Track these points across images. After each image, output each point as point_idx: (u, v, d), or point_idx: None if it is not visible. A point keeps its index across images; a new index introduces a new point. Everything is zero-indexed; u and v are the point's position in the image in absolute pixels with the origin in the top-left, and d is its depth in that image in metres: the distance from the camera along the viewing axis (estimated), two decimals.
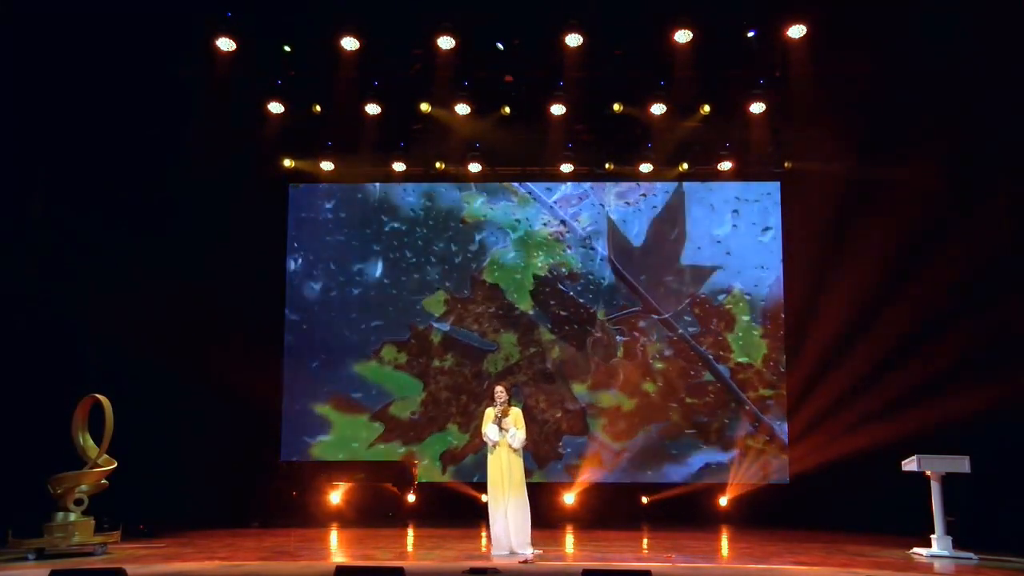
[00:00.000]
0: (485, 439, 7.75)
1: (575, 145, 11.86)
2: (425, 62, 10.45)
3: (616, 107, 11.02)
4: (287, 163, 12.07)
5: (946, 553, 7.66)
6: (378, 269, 12.47)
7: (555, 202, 12.49)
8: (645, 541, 9.15)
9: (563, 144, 11.76)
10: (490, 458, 7.74)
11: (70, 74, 9.24)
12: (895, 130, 10.20)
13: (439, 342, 12.27)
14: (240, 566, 6.87)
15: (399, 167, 12.20)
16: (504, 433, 7.64)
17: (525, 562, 7.08)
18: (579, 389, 12.16)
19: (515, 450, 7.67)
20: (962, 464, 7.78)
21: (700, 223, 12.38)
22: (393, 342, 12.28)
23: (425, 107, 11.06)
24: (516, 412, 7.75)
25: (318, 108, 11.26)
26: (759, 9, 9.76)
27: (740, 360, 12.08)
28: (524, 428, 7.75)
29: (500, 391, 7.78)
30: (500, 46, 10.32)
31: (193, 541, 8.61)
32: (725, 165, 11.98)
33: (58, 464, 7.87)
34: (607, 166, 12.10)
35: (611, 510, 11.58)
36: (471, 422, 11.96)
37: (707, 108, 11.09)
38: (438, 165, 12.09)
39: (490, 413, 7.76)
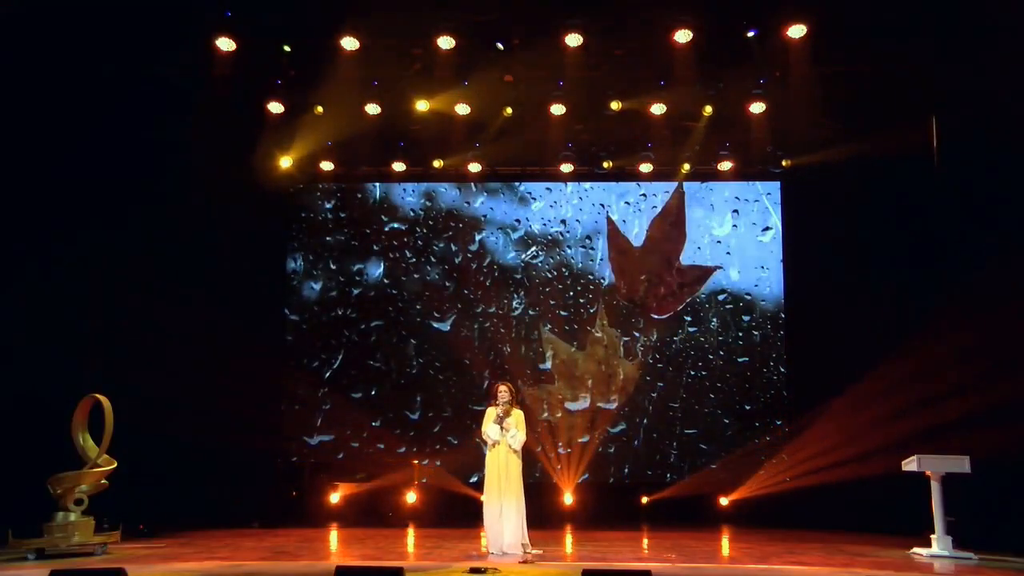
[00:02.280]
0: (485, 438, 7.75)
1: (575, 145, 11.85)
2: (425, 62, 10.45)
3: (614, 105, 11.00)
4: (287, 163, 12.05)
5: (946, 553, 7.67)
6: (378, 269, 12.47)
7: (555, 202, 12.49)
8: (645, 541, 9.15)
9: (563, 144, 11.76)
10: (488, 457, 7.75)
11: (70, 75, 9.24)
12: (895, 128, 10.19)
13: (438, 342, 12.27)
14: (240, 566, 6.88)
15: (399, 167, 12.20)
16: (505, 433, 7.65)
17: (525, 562, 7.08)
18: (579, 389, 12.16)
19: (514, 451, 7.68)
20: (962, 464, 7.78)
21: (700, 223, 12.38)
22: (393, 342, 12.27)
23: (424, 107, 11.06)
24: (518, 414, 7.78)
25: (320, 109, 11.25)
26: (759, 9, 9.76)
27: (740, 360, 12.08)
28: (524, 430, 7.77)
29: (503, 390, 7.79)
30: (500, 46, 10.31)
31: (193, 541, 8.62)
32: (725, 165, 11.98)
33: (58, 464, 7.87)
34: (607, 166, 12.10)
35: (611, 510, 11.58)
36: (470, 422, 11.95)
37: (708, 109, 11.10)
38: (438, 165, 12.09)
39: (491, 412, 7.76)
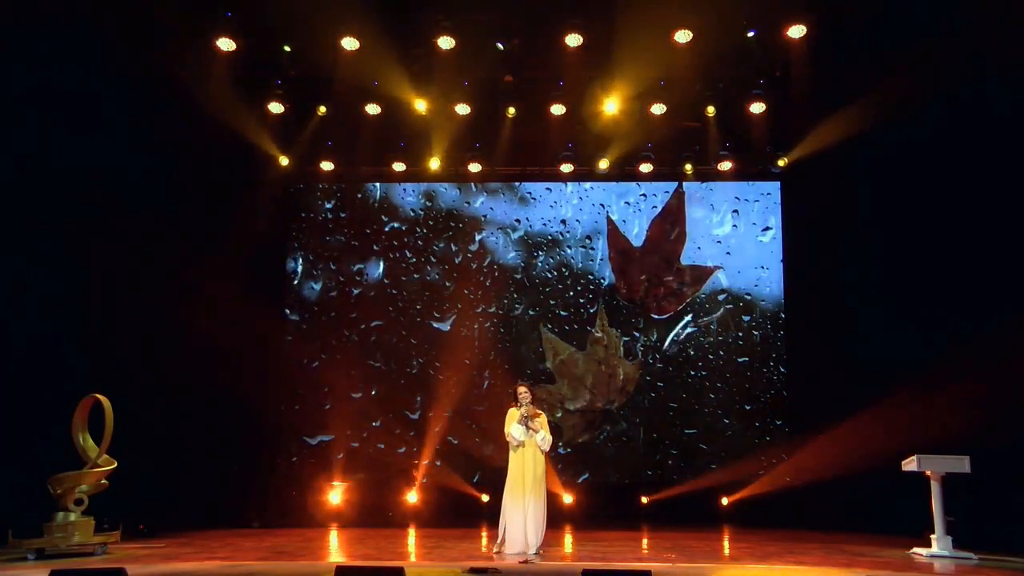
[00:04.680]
0: (509, 439, 7.66)
1: (575, 145, 11.86)
2: (425, 62, 10.46)
3: (615, 106, 11.00)
4: (287, 163, 12.07)
5: (946, 553, 7.67)
6: (378, 269, 12.48)
7: (555, 202, 12.50)
8: (645, 541, 9.15)
9: (563, 144, 11.77)
10: (512, 457, 7.68)
11: (70, 75, 9.23)
12: (895, 127, 10.19)
13: (438, 342, 12.27)
14: (240, 566, 6.87)
15: (399, 167, 12.20)
16: (532, 434, 7.60)
17: (525, 562, 7.08)
18: (579, 389, 12.16)
19: (543, 451, 7.64)
20: (962, 464, 7.78)
21: (700, 223, 12.38)
22: (393, 342, 12.27)
23: (424, 107, 11.07)
24: (542, 416, 7.73)
25: (323, 109, 11.26)
26: (759, 9, 9.76)
27: (740, 360, 12.08)
28: (548, 430, 7.74)
29: (524, 391, 7.77)
30: (500, 46, 10.32)
31: (193, 541, 8.62)
32: (725, 165, 11.98)
33: (58, 464, 7.87)
34: (606, 166, 12.09)
35: (611, 510, 11.58)
36: (470, 422, 11.96)
37: (711, 109, 11.12)
38: (437, 165, 12.09)
39: (514, 413, 7.72)
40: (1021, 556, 7.54)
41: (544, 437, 7.64)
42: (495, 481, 7.94)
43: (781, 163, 12.02)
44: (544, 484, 7.63)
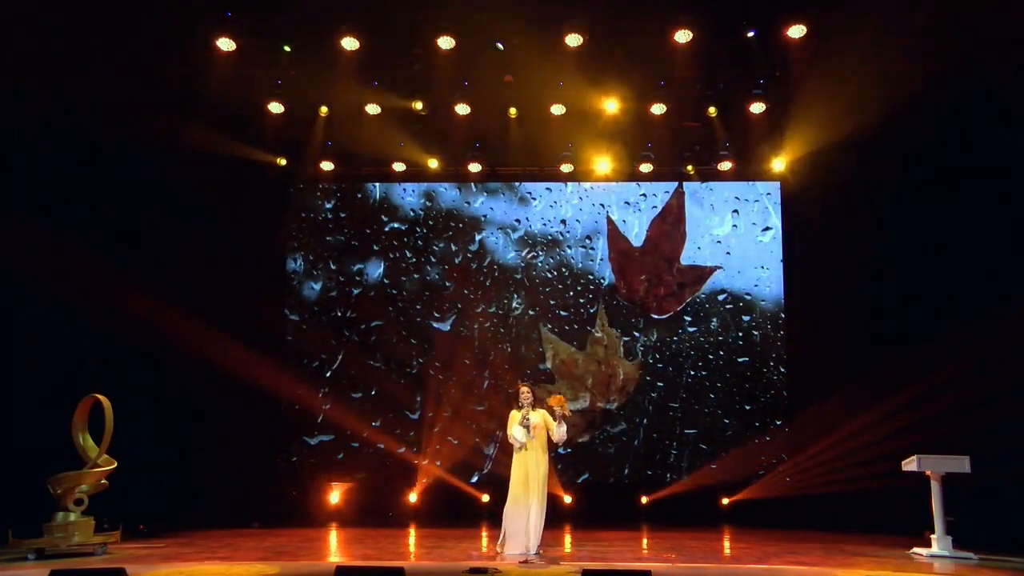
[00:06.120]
0: (511, 441, 7.65)
1: (575, 145, 11.86)
2: (425, 62, 10.46)
3: (615, 106, 11.00)
4: (286, 163, 12.06)
5: (946, 553, 7.67)
6: (378, 269, 12.47)
7: (555, 202, 12.49)
8: (645, 541, 9.15)
9: (563, 144, 11.77)
10: (515, 459, 7.65)
11: (69, 73, 9.23)
12: (894, 128, 10.19)
13: (439, 342, 12.26)
14: (240, 566, 6.87)
15: (399, 167, 12.20)
16: (532, 436, 7.55)
17: (525, 562, 7.08)
18: (579, 389, 12.16)
19: (544, 451, 7.61)
20: (962, 464, 7.79)
21: (700, 223, 12.38)
22: (393, 342, 12.27)
23: (423, 106, 11.06)
24: (544, 413, 7.70)
25: (324, 109, 11.26)
26: (759, 9, 9.76)
27: (740, 360, 12.08)
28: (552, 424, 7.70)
29: (526, 392, 7.74)
30: (500, 46, 10.32)
31: (193, 541, 8.62)
32: (725, 165, 11.97)
33: (58, 464, 7.87)
34: (608, 166, 12.08)
35: (611, 510, 11.58)
36: (470, 422, 11.96)
37: (712, 110, 11.12)
38: (437, 165, 12.08)
39: (515, 415, 7.69)
40: (1021, 556, 7.55)
41: (563, 431, 7.60)
42: (495, 481, 7.94)
43: (781, 163, 12.00)
44: (546, 485, 7.62)
